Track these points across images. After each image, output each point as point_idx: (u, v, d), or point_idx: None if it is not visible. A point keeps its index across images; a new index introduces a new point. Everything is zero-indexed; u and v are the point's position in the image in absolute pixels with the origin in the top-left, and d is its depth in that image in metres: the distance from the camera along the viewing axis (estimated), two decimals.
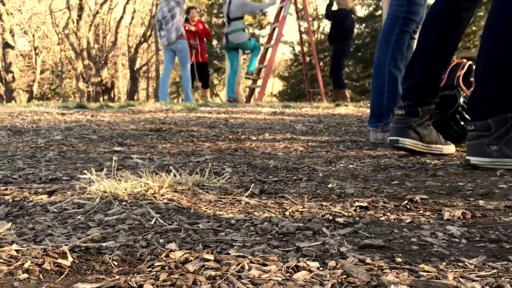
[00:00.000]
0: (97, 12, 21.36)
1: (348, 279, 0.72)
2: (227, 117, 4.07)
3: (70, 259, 0.81)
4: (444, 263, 0.80)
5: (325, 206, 1.21)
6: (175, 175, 1.41)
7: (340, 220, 1.07)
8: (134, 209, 1.14)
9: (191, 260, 0.80)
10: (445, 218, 1.10)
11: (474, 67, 2.27)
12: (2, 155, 2.07)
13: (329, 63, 8.70)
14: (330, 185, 1.48)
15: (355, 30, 19.57)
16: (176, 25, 6.96)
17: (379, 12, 16.76)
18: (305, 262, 0.79)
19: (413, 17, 2.49)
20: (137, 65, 23.20)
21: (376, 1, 18.54)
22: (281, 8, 7.99)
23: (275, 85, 23.36)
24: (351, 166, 1.88)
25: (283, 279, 0.72)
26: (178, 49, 7.16)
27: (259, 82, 8.13)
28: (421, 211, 1.17)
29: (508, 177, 1.60)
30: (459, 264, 0.80)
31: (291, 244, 0.90)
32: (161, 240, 0.92)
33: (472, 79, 2.46)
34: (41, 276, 0.74)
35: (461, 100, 2.40)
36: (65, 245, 0.86)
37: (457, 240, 0.94)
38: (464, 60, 2.60)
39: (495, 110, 1.77)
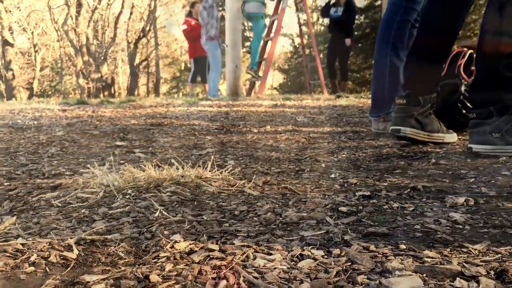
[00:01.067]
0: (96, 8, 21.29)
1: (353, 266, 0.73)
2: (228, 110, 4.07)
3: (76, 251, 0.81)
4: (448, 249, 0.80)
5: (328, 196, 1.22)
6: (177, 168, 1.41)
7: (344, 209, 1.07)
8: (138, 202, 1.15)
9: (196, 251, 0.81)
10: (448, 205, 1.10)
11: (474, 55, 2.26)
12: (4, 151, 2.08)
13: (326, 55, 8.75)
14: (332, 176, 1.48)
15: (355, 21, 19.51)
16: (205, 28, 7.34)
17: (379, 2, 16.66)
18: (310, 251, 0.80)
19: (414, 6, 2.47)
20: (137, 61, 23.15)
21: None
22: (280, 0, 7.95)
23: (275, 78, 23.32)
24: (353, 156, 1.88)
25: (288, 268, 0.73)
26: (206, 50, 7.53)
27: (260, 74, 8.10)
28: (424, 199, 1.17)
29: (511, 164, 1.60)
30: (463, 249, 0.80)
31: (295, 234, 0.90)
32: (165, 232, 0.92)
33: (473, 67, 2.45)
34: (47, 268, 0.75)
35: (463, 88, 2.40)
36: (71, 238, 0.87)
37: (460, 226, 0.94)
38: (465, 49, 2.59)
39: (497, 98, 1.77)
